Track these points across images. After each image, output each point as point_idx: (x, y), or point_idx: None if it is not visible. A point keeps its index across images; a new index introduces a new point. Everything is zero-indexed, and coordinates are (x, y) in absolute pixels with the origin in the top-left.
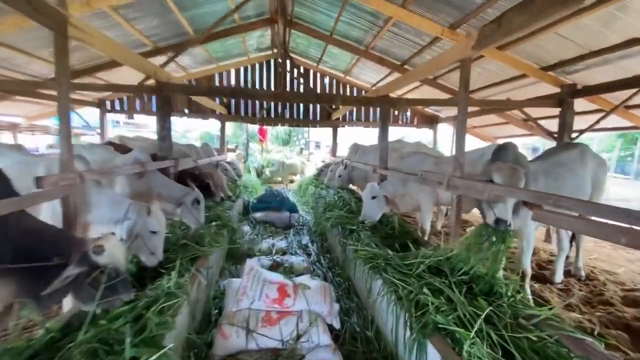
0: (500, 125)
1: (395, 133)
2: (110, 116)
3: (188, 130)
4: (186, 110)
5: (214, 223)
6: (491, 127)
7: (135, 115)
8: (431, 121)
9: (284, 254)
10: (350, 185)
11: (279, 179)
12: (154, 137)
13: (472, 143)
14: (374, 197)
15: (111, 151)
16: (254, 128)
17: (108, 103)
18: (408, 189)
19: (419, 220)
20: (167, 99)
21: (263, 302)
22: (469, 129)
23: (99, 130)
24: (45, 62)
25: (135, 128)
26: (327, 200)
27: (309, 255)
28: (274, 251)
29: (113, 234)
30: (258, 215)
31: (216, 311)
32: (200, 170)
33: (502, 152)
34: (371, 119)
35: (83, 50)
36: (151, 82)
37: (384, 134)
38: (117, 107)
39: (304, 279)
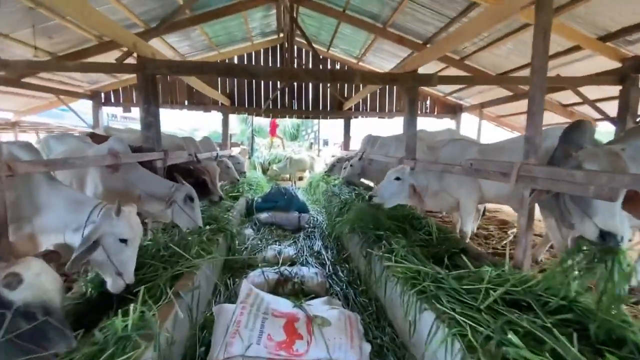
0: None
1: (399, 125)
2: (107, 110)
3: (196, 129)
4: (186, 102)
5: (208, 227)
6: (519, 116)
7: (134, 109)
8: (454, 110)
9: (292, 263)
10: (365, 181)
11: (287, 175)
12: None
13: (498, 134)
14: (397, 179)
15: (86, 142)
16: (258, 121)
17: (102, 95)
18: (445, 184)
19: (455, 222)
20: (150, 79)
21: (264, 346)
22: (495, 119)
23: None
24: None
25: (135, 123)
26: (342, 198)
27: (323, 265)
28: (280, 261)
29: (51, 253)
30: (263, 216)
31: (202, 348)
32: (195, 165)
33: (576, 133)
34: (387, 109)
35: (66, 34)
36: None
37: (411, 118)
38: (113, 100)
39: (320, 307)
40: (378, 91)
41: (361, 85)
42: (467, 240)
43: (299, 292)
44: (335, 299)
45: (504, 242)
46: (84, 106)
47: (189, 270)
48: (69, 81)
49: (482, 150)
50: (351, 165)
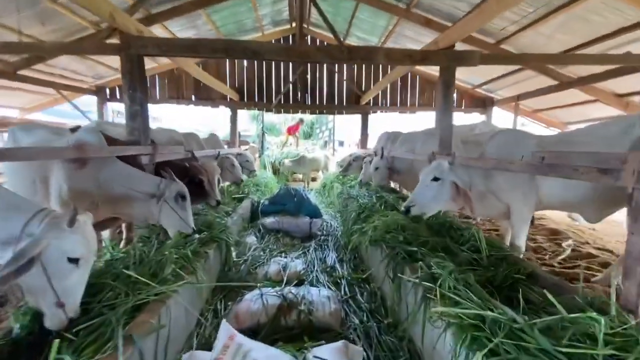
0: (574, 106)
1: (426, 121)
2: (113, 106)
3: (213, 130)
4: (193, 97)
5: (197, 235)
6: (560, 110)
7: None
8: (483, 104)
9: (300, 282)
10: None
11: (300, 175)
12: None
13: (534, 130)
14: (436, 179)
15: (61, 134)
16: (270, 118)
17: (107, 90)
18: (493, 185)
19: (503, 233)
20: (136, 60)
21: None
22: (530, 113)
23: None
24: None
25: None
26: (360, 202)
27: (337, 284)
28: (285, 278)
29: None
30: (269, 221)
31: None
32: (192, 163)
33: None
34: (409, 102)
35: (59, 21)
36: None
37: (446, 106)
38: (118, 96)
39: (332, 354)
40: (399, 83)
41: (380, 75)
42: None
43: (305, 326)
44: (355, 348)
45: (559, 257)
46: (90, 104)
47: (158, 298)
48: (72, 76)
49: (543, 142)
50: (376, 168)
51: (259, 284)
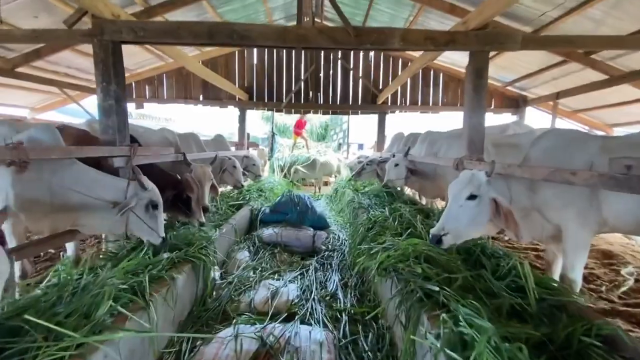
0: (622, 105)
1: (450, 122)
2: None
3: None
4: (201, 97)
5: (166, 256)
6: (605, 110)
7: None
8: (516, 104)
9: (291, 316)
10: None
11: (312, 180)
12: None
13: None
14: (472, 198)
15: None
16: (283, 119)
17: None
18: (538, 199)
19: (549, 261)
20: (110, 48)
21: None
22: (570, 114)
23: None
24: None
25: (153, 121)
26: (370, 214)
27: (336, 319)
28: (271, 310)
29: None
30: (266, 233)
31: None
32: (186, 176)
33: None
34: (431, 101)
35: (54, 14)
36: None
37: (477, 101)
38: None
39: None
40: (420, 80)
41: (400, 69)
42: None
43: None
44: None
45: (619, 289)
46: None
47: (77, 354)
48: (77, 74)
49: (611, 145)
50: (396, 165)
51: (237, 317)
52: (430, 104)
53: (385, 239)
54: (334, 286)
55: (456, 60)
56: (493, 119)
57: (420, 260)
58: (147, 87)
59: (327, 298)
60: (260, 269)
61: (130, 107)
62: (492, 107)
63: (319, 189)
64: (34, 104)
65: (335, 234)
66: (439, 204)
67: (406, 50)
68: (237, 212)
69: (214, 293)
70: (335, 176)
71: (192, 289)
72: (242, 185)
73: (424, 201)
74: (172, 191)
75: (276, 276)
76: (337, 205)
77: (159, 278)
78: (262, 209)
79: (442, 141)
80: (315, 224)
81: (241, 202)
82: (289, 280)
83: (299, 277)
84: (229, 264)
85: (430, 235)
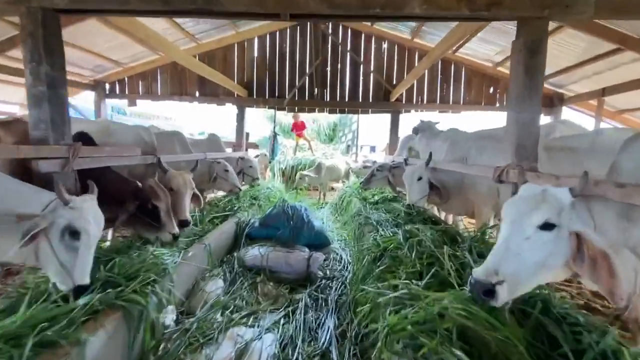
0: None
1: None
2: (112, 103)
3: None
4: (197, 93)
5: (82, 302)
6: None
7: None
8: (550, 102)
9: None
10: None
11: (319, 185)
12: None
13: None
14: (548, 227)
15: None
16: (288, 119)
17: (107, 86)
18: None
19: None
20: (39, 16)
21: None
22: (614, 114)
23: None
24: None
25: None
26: (380, 237)
27: None
28: None
29: None
30: (249, 255)
31: None
32: (149, 182)
33: None
34: (452, 99)
35: None
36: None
37: (532, 85)
38: (118, 91)
39: None
40: (439, 75)
41: (416, 62)
42: None
43: None
44: None
45: None
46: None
47: None
48: (68, 68)
49: None
50: (419, 179)
51: None
52: (451, 103)
53: (399, 281)
54: (327, 337)
55: (480, 52)
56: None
57: (452, 332)
58: (140, 82)
59: (318, 355)
60: (232, 307)
61: (123, 104)
62: (499, 104)
63: (324, 195)
64: (23, 99)
65: (337, 254)
66: (467, 222)
67: (430, 19)
68: (218, 227)
69: (161, 347)
70: (343, 182)
71: (120, 349)
72: (240, 189)
73: (442, 217)
74: (133, 202)
75: (251, 320)
76: (342, 215)
77: (53, 344)
78: (251, 221)
79: (469, 143)
80: (313, 242)
81: (228, 212)
82: (267, 328)
83: (282, 320)
84: (193, 299)
85: (472, 282)
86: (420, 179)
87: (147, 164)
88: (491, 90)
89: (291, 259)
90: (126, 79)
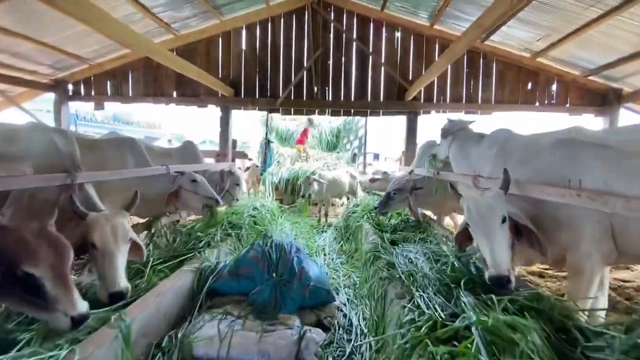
0: None
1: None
2: (77, 107)
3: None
4: (174, 94)
5: None
6: None
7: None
8: (602, 100)
9: None
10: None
11: (322, 201)
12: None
13: None
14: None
15: None
16: (286, 124)
17: (70, 86)
18: None
19: None
20: None
21: None
22: None
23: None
24: None
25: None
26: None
27: None
28: None
29: None
30: (201, 340)
31: None
32: (22, 226)
33: None
34: (480, 98)
35: None
36: None
37: None
38: (83, 92)
39: None
40: (465, 68)
41: (436, 54)
42: None
43: None
44: None
45: None
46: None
47: None
48: (20, 65)
49: None
50: (503, 221)
51: None
52: (479, 102)
53: None
54: None
55: (517, 38)
56: (567, 121)
57: None
58: (108, 82)
59: None
60: None
61: (88, 107)
62: (568, 104)
63: (326, 216)
64: None
65: (345, 315)
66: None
67: None
68: (161, 283)
69: None
70: (348, 198)
71: None
72: (217, 200)
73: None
74: None
75: None
76: (348, 242)
77: None
78: (219, 266)
79: (585, 153)
80: (307, 304)
81: (188, 251)
82: None
83: None
84: None
85: (495, 276)
86: (503, 220)
87: (60, 188)
88: (529, 86)
89: (268, 346)
90: (92, 78)
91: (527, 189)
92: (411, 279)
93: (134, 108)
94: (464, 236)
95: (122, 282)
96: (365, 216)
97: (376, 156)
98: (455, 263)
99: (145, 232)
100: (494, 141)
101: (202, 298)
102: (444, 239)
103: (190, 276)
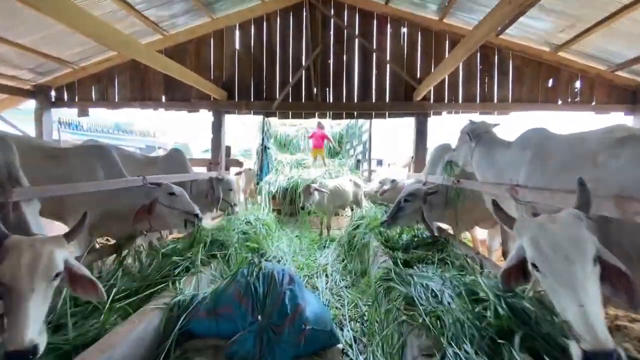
0: None
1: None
2: (61, 113)
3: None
4: (163, 98)
5: None
6: None
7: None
8: (632, 98)
9: None
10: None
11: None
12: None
13: None
14: None
15: None
16: (285, 130)
17: (52, 92)
18: None
19: None
20: None
21: None
22: None
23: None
24: None
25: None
26: None
27: None
28: None
29: None
30: None
31: None
32: None
33: None
34: (496, 97)
35: None
36: None
37: None
38: (67, 98)
39: None
40: (478, 65)
41: (447, 50)
42: None
43: None
44: None
45: None
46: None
47: None
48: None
49: None
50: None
51: None
52: (495, 101)
53: None
54: None
55: (535, 31)
56: (593, 121)
57: None
58: (93, 87)
59: None
60: None
61: (72, 114)
62: (594, 102)
63: (328, 229)
64: None
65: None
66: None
67: None
68: (113, 331)
69: None
70: (352, 208)
71: None
72: (198, 216)
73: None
74: None
75: None
76: (353, 261)
77: None
78: (194, 301)
79: (610, 153)
80: (305, 352)
81: (162, 279)
82: None
83: None
84: None
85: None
86: (595, 261)
87: None
88: (550, 83)
89: None
90: (76, 83)
91: (602, 206)
92: (438, 324)
93: (135, 116)
94: (517, 272)
95: (27, 336)
96: (372, 230)
97: (379, 162)
98: (499, 307)
99: (115, 255)
100: (526, 143)
101: (169, 345)
102: (468, 260)
103: (157, 316)
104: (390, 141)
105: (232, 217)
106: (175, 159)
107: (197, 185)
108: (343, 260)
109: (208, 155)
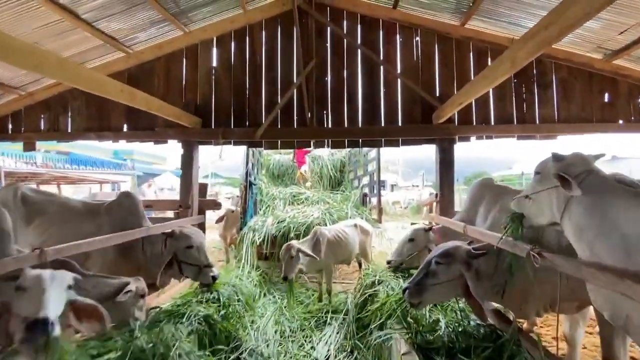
0: None
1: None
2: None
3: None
4: (125, 128)
5: None
6: None
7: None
8: None
9: None
10: None
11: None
12: None
13: None
14: None
15: None
16: (279, 158)
17: None
18: None
19: None
20: None
21: None
22: None
23: None
24: None
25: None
26: None
27: None
28: None
29: None
30: None
31: None
32: None
33: None
34: (538, 117)
35: None
36: None
37: None
38: (11, 129)
39: None
40: (512, 81)
41: (472, 62)
42: None
43: None
44: None
45: None
46: None
47: None
48: None
49: None
50: None
51: None
52: (537, 122)
53: None
54: None
55: (585, 34)
56: (617, 142)
57: None
58: (42, 116)
59: None
60: None
61: (17, 148)
62: (633, 118)
63: (329, 293)
64: None
65: None
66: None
67: None
68: None
69: None
70: (360, 263)
71: None
72: (136, 321)
73: None
74: None
75: None
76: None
77: None
78: None
79: None
80: None
81: None
82: None
83: None
84: None
85: None
86: None
87: None
88: (606, 98)
89: None
90: (23, 111)
91: None
92: None
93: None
94: None
95: None
96: (391, 311)
97: (383, 185)
98: None
99: None
100: None
101: None
102: None
103: None
104: (390, 156)
105: (197, 291)
106: (124, 207)
107: (150, 243)
108: (352, 352)
109: (206, 181)
